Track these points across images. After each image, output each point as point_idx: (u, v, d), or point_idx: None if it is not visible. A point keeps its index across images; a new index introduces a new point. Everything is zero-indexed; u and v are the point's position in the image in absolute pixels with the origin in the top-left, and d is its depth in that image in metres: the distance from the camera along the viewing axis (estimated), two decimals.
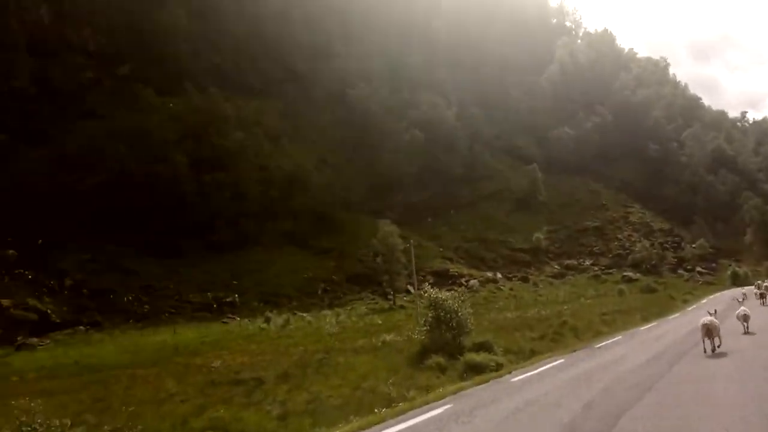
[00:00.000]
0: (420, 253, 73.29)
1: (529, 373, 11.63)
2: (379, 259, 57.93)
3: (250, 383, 12.22)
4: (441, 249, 77.21)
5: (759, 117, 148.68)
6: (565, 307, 33.02)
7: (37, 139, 55.42)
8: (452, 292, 16.34)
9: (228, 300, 51.09)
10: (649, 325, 23.54)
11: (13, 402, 10.34)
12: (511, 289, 68.79)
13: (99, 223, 51.10)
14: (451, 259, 74.99)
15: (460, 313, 15.71)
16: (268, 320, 38.13)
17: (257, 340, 26.82)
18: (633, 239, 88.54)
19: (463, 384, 11.44)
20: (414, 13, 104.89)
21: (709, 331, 13.31)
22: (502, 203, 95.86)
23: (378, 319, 34.44)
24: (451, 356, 14.33)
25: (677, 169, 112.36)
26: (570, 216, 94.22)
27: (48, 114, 57.98)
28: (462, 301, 16.18)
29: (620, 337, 19.34)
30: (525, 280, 75.51)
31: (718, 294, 51.71)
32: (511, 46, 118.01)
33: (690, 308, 34.67)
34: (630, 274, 75.66)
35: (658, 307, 33.39)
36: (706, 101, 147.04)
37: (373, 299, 57.23)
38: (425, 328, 15.84)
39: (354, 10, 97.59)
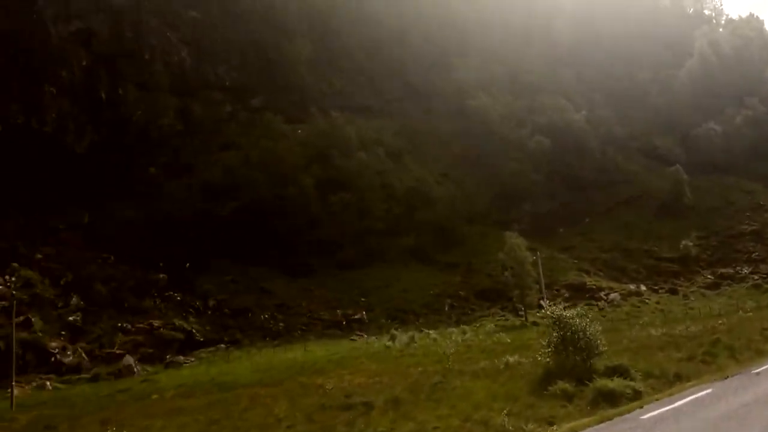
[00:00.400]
0: (552, 265, 70.26)
1: (664, 408, 9.81)
2: (507, 274, 55.90)
3: (359, 408, 11.79)
4: (575, 261, 73.22)
5: None
6: (720, 322, 29.17)
7: (182, 172, 60.77)
8: (577, 309, 14.68)
9: (356, 317, 52.08)
10: None
11: (143, 422, 10.71)
12: (657, 303, 63.07)
13: (238, 247, 54.68)
14: (587, 272, 70.83)
15: (588, 332, 14.17)
16: (393, 338, 38.04)
17: (380, 359, 26.62)
18: None
19: (577, 423, 10.03)
20: (534, 14, 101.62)
21: None
22: (643, 209, 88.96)
23: (507, 338, 32.79)
24: (579, 381, 12.88)
25: None
26: (722, 220, 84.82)
27: (191, 148, 63.41)
28: (590, 320, 14.59)
29: None
30: (673, 292, 68.97)
31: None
32: (643, 40, 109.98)
33: None
34: None
35: None
36: None
37: (503, 316, 55.31)
38: (549, 349, 14.47)
39: (471, 18, 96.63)
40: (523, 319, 51.50)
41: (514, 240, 55.42)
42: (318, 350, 34.91)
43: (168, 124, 63.45)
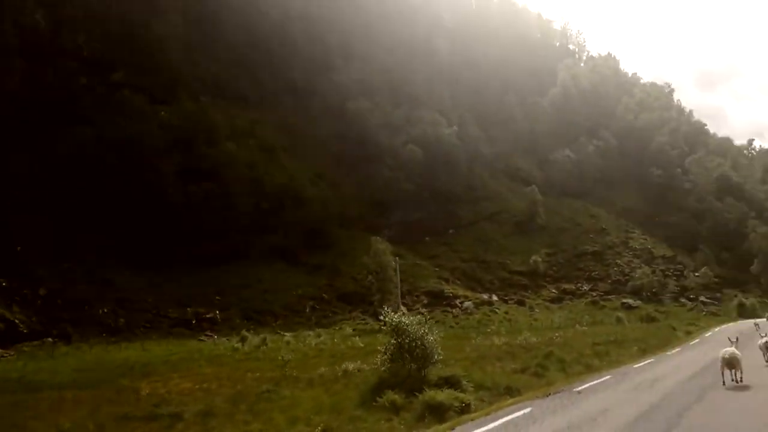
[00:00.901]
0: (416, 272, 71.96)
1: (479, 430, 9.49)
2: (371, 278, 56.10)
3: (165, 420, 10.39)
4: (437, 269, 75.54)
5: (766, 145, 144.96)
6: (557, 335, 30.97)
7: (25, 144, 53.99)
8: (419, 315, 14.37)
9: (208, 316, 49.29)
10: (646, 362, 21.21)
11: None
12: (506, 313, 66.73)
13: (82, 232, 49.49)
14: (447, 280, 73.27)
15: (427, 341, 13.84)
16: (243, 340, 36.19)
17: (220, 362, 24.91)
18: (633, 265, 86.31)
19: None
20: (416, 30, 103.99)
21: (731, 363, 13.01)
22: (502, 225, 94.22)
23: (360, 342, 32.40)
24: (411, 392, 12.43)
25: (681, 196, 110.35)
26: (569, 240, 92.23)
27: (38, 118, 56.60)
28: (430, 327, 14.30)
29: (609, 377, 16.73)
30: (521, 303, 73.54)
31: (724, 326, 48.87)
32: (513, 66, 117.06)
33: (693, 342, 32.31)
34: (629, 301, 73.46)
35: (658, 339, 31.19)
36: (712, 129, 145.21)
37: (363, 319, 55.23)
38: (386, 357, 13.95)
39: (356, 23, 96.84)
40: (382, 323, 51.56)
41: (380, 245, 55.75)
42: (157, 350, 32.20)
43: (11, 90, 56.06)
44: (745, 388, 12.86)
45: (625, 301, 73.58)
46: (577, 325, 46.20)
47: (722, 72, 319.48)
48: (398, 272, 29.89)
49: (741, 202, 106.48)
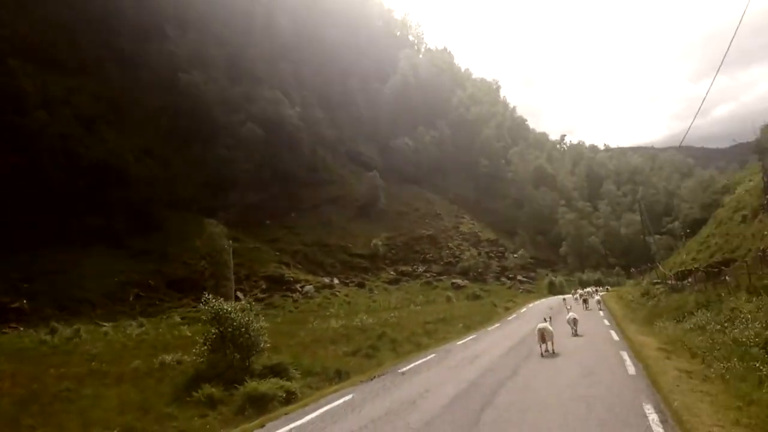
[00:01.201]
0: (255, 256, 69.66)
1: (290, 426, 8.78)
2: (204, 263, 53.07)
3: None
4: (278, 253, 73.78)
5: (575, 141, 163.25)
6: (393, 315, 31.60)
7: None
8: (241, 303, 13.34)
9: (14, 306, 43.17)
10: (469, 338, 22.31)
11: None
12: (346, 295, 67.30)
13: None
14: (288, 264, 71.87)
15: (252, 328, 12.86)
16: (53, 331, 32.04)
17: (21, 357, 21.55)
18: (462, 248, 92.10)
19: None
20: (256, 4, 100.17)
21: (544, 337, 15.32)
22: (344, 208, 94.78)
23: (188, 331, 30.22)
24: (232, 384, 11.41)
25: (504, 185, 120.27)
26: (407, 224, 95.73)
27: None
28: (255, 314, 13.34)
29: (433, 355, 17.27)
30: (361, 285, 74.75)
31: (537, 302, 53.98)
32: (356, 51, 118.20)
33: (510, 317, 34.96)
34: (458, 281, 78.18)
35: (481, 316, 33.33)
36: (531, 124, 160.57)
37: (195, 307, 52.02)
38: (205, 347, 12.74)
39: None
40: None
41: (214, 228, 53.02)
42: None
43: None
44: (556, 356, 14.44)
45: (454, 281, 78.10)
46: (412, 305, 47.85)
47: (542, 73, 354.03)
48: (231, 256, 28.31)
49: (554, 192, 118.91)
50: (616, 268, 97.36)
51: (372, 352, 17.73)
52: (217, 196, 75.27)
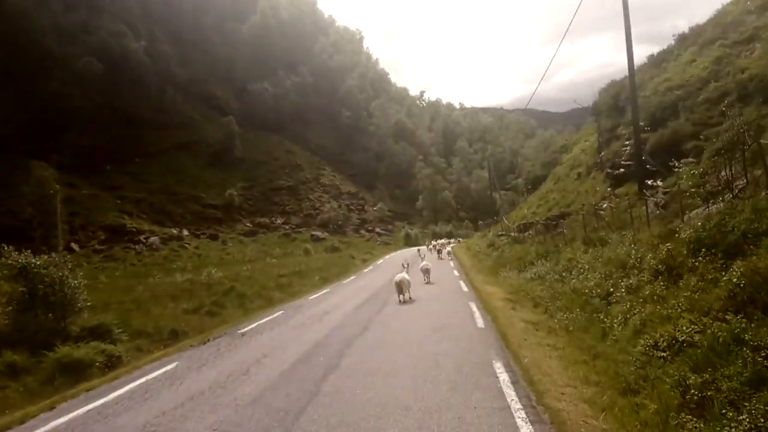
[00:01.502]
0: (92, 204, 63.43)
1: (87, 407, 7.19)
2: (31, 210, 47.09)
3: None
4: (119, 201, 67.85)
5: (433, 98, 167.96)
6: (246, 268, 30.14)
7: None
8: (51, 257, 11.41)
9: None
10: (323, 292, 21.73)
11: None
12: (196, 248, 64.06)
13: None
14: (131, 214, 66.44)
15: (68, 285, 11.06)
16: None
17: None
18: (323, 200, 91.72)
19: None
20: None
21: (400, 287, 16.15)
22: (196, 155, 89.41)
23: (8, 287, 26.38)
24: (41, 350, 9.70)
25: (365, 138, 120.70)
26: (265, 174, 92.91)
27: None
28: (73, 268, 11.50)
29: (281, 312, 16.18)
30: (214, 237, 71.60)
31: (393, 254, 54.89)
32: None
33: (367, 269, 34.95)
34: (318, 233, 77.88)
35: (339, 268, 33.06)
36: (393, 79, 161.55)
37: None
38: (10, 308, 10.76)
39: None
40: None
41: (43, 172, 47.02)
42: None
43: None
44: (408, 308, 14.41)
45: (314, 233, 77.69)
46: (268, 258, 46.55)
47: (403, 28, 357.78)
48: (59, 202, 24.95)
49: (412, 147, 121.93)
50: (466, 221, 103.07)
51: (216, 310, 16.45)
52: (48, 137, 66.84)
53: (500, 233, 38.76)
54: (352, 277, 28.24)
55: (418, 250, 47.65)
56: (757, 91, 17.40)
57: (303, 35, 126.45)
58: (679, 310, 6.59)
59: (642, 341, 6.53)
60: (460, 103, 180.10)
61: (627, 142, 26.20)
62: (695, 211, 11.59)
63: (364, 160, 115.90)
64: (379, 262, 42.49)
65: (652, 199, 17.80)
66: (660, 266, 8.27)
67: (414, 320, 12.30)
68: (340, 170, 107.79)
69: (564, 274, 14.40)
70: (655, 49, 36.01)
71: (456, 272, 25.71)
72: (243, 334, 12.40)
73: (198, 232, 71.14)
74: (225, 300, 17.84)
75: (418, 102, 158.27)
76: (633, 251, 10.51)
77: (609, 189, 27.24)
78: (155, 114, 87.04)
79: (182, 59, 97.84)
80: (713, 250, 7.13)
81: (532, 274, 17.57)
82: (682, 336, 5.93)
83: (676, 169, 18.23)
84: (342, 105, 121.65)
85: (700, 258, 7.35)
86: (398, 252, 58.23)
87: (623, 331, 7.43)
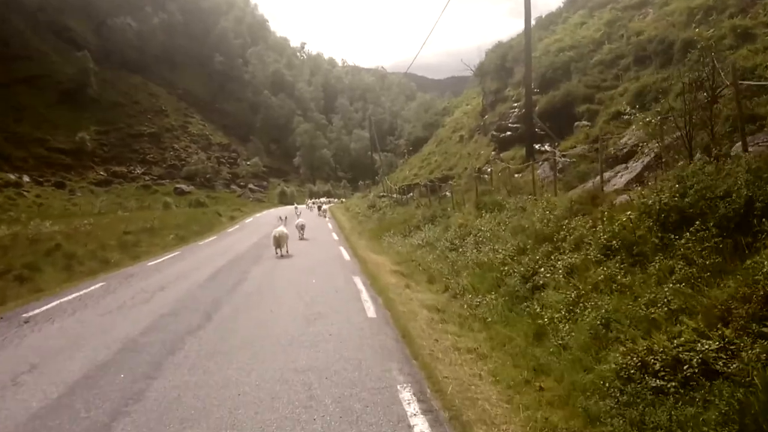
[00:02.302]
0: None
1: None
2: None
3: None
4: None
5: (314, 52, 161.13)
6: (87, 221, 25.54)
7: None
8: None
9: None
10: (172, 255, 18.24)
11: None
12: (37, 196, 56.11)
13: None
14: None
15: None
16: None
17: None
18: (190, 150, 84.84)
19: None
20: None
21: (278, 241, 16.40)
22: (43, 92, 78.55)
23: None
24: None
25: (240, 87, 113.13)
26: (125, 118, 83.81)
27: None
28: None
29: (100, 285, 12.32)
30: (60, 186, 63.44)
31: (265, 212, 51.19)
32: None
33: (232, 228, 31.19)
34: (183, 186, 71.72)
35: (200, 225, 29.25)
36: (272, 27, 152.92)
37: None
38: None
39: None
40: None
41: None
42: None
43: None
44: (274, 289, 11.07)
45: (178, 186, 71.46)
46: (120, 211, 41.24)
47: None
48: None
49: (291, 100, 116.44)
50: (344, 181, 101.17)
51: (29, 274, 12.76)
52: None
53: (381, 194, 37.01)
54: (213, 237, 24.78)
55: (296, 207, 45.42)
56: (657, 54, 16.56)
57: None
58: (667, 309, 4.62)
59: (613, 355, 4.50)
60: (342, 60, 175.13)
61: (515, 104, 25.18)
62: (615, 176, 10.16)
63: (238, 111, 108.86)
64: (249, 220, 38.96)
65: (546, 162, 16.65)
66: (614, 242, 6.33)
67: (281, 305, 9.20)
68: (210, 120, 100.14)
69: (457, 241, 12.63)
70: (543, 13, 35.41)
71: (335, 236, 23.38)
72: (27, 321, 8.71)
73: (41, 179, 62.62)
74: (46, 261, 14.13)
75: (298, 54, 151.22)
76: (550, 219, 8.74)
77: (494, 152, 26.25)
78: None
79: None
80: (699, 224, 5.35)
81: (420, 240, 15.72)
82: (692, 356, 3.91)
83: (573, 131, 17.24)
84: (215, 50, 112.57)
85: (678, 233, 5.54)
86: (271, 210, 54.67)
87: (574, 333, 5.42)
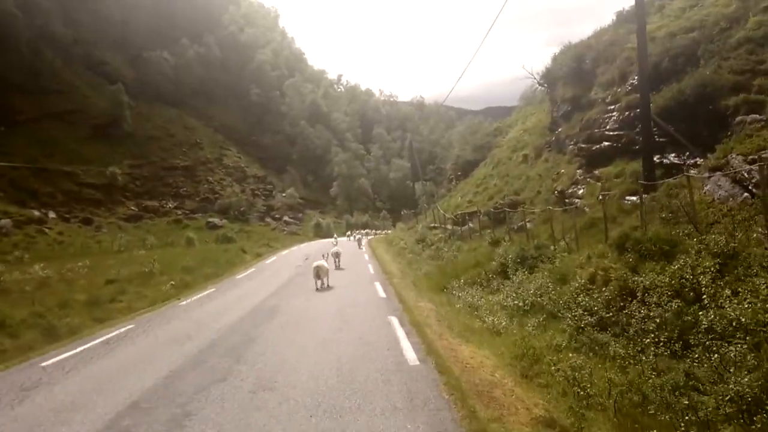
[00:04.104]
0: None
1: None
2: None
3: None
4: None
5: (352, 82, 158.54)
6: (83, 263, 21.08)
7: None
8: None
9: None
10: (145, 316, 13.19)
11: None
12: (60, 233, 52.88)
13: None
14: None
15: None
16: None
17: None
18: (225, 183, 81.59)
19: None
20: None
21: (318, 274, 16.75)
22: (75, 127, 76.89)
23: None
24: None
25: (277, 118, 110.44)
26: (158, 152, 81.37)
27: None
28: None
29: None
30: (88, 222, 60.53)
31: (295, 247, 45.46)
32: None
33: (245, 273, 24.31)
34: (215, 220, 68.01)
35: (217, 266, 24.13)
36: (309, 60, 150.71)
37: None
38: None
39: None
40: None
41: None
42: None
43: None
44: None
45: (211, 220, 67.82)
46: (135, 250, 36.94)
47: (322, 9, 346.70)
48: None
49: (328, 131, 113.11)
50: (383, 212, 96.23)
51: None
52: None
53: (432, 225, 31.52)
54: (210, 290, 18.85)
55: (334, 240, 40.80)
56: None
57: (210, 3, 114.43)
58: None
59: None
60: (379, 90, 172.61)
61: (612, 107, 19.57)
62: None
63: (275, 143, 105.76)
64: (271, 260, 32.26)
65: (718, 174, 10.93)
66: None
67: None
68: (246, 152, 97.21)
69: (611, 313, 7.07)
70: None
71: (380, 289, 16.14)
72: None
73: (68, 215, 59.81)
74: None
75: (335, 86, 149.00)
76: None
77: (580, 170, 20.66)
78: (27, 77, 74.25)
79: (65, 17, 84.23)
80: None
81: (519, 298, 10.05)
82: None
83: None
84: (252, 82, 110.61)
85: None
86: (304, 245, 49.00)
87: None
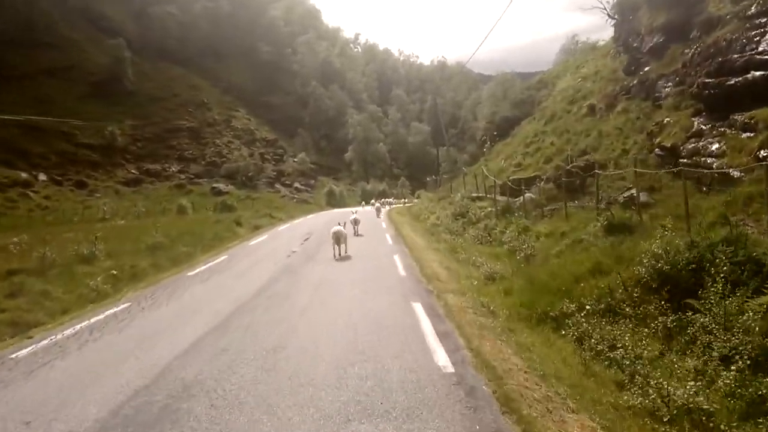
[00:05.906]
0: None
1: None
2: None
3: None
4: None
5: (370, 42, 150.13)
6: (20, 239, 15.78)
7: None
8: None
9: None
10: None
11: None
12: (46, 197, 48.03)
13: None
14: None
15: None
16: None
17: None
18: (232, 147, 75.93)
19: None
20: None
21: (338, 239, 15.93)
22: (73, 84, 71.75)
23: None
24: None
25: (288, 78, 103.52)
26: (162, 112, 75.80)
27: None
28: None
29: None
30: (82, 185, 55.68)
31: (302, 218, 38.12)
32: None
33: (217, 259, 17.25)
34: (221, 185, 62.61)
35: (193, 245, 18.12)
36: (325, 19, 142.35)
37: None
38: None
39: None
40: None
41: None
42: None
43: None
44: None
45: (216, 185, 62.49)
46: (118, 219, 31.59)
47: None
48: None
49: (343, 92, 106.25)
50: (402, 179, 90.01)
51: None
52: None
53: (473, 194, 25.31)
54: (198, 269, 12.91)
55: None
56: None
57: None
58: None
59: None
60: (399, 50, 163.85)
61: (764, 19, 13.43)
62: None
63: (286, 104, 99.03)
64: (263, 238, 24.71)
65: None
66: None
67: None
68: (256, 114, 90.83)
69: None
70: None
71: (429, 329, 7.80)
72: None
73: (60, 178, 55.02)
74: None
75: (351, 45, 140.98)
76: None
77: (697, 119, 14.63)
78: (21, 31, 69.47)
79: None
80: None
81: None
82: None
83: None
84: (262, 40, 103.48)
85: None
86: (309, 217, 40.66)
87: None
